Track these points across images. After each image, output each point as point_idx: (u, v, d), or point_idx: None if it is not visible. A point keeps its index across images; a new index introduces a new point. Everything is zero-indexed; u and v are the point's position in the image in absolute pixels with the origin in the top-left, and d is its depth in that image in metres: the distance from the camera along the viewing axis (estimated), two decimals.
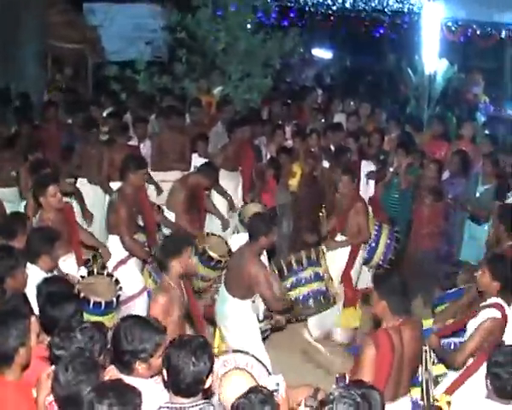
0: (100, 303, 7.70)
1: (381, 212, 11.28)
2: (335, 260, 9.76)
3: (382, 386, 5.54)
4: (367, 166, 11.76)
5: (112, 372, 4.98)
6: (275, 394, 4.89)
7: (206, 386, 4.71)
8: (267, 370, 6.19)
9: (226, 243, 10.32)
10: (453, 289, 8.70)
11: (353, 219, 9.72)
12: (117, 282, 8.28)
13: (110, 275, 8.46)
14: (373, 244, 10.32)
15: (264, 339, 8.32)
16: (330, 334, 10.04)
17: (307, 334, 10.03)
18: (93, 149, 11.74)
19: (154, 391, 4.88)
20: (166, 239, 8.10)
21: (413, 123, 14.10)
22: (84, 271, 8.36)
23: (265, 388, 4.64)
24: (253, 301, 8.22)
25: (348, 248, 9.83)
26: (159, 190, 11.65)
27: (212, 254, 9.71)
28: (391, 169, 11.82)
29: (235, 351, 6.32)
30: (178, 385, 4.61)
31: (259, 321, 8.29)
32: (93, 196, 11.49)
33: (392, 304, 5.87)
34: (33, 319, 5.20)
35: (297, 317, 9.58)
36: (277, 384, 5.14)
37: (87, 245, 9.23)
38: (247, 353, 6.15)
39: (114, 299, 7.89)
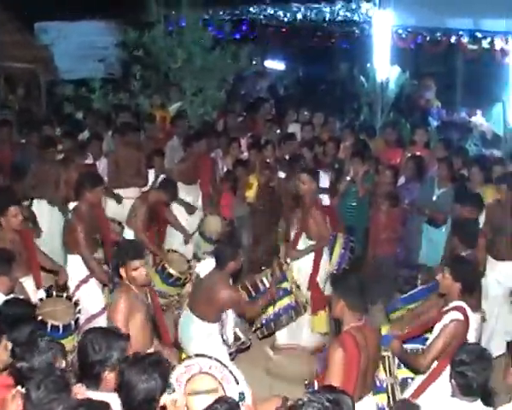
0: (58, 327, 7.65)
1: (337, 221, 11.32)
2: (300, 267, 9.79)
3: (352, 387, 5.63)
4: (322, 178, 11.73)
5: (78, 390, 4.98)
6: (240, 403, 4.91)
7: (161, 404, 4.69)
8: (233, 375, 6.15)
9: (188, 260, 10.36)
10: (410, 292, 8.79)
11: (312, 225, 9.72)
12: (76, 304, 8.24)
13: (69, 298, 8.41)
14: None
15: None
16: (298, 340, 10.00)
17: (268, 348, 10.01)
18: (50, 168, 11.63)
19: (118, 405, 4.86)
20: (117, 248, 7.94)
21: (367, 131, 14.21)
22: (42, 293, 8.30)
23: (231, 398, 4.65)
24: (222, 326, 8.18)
25: (311, 255, 9.81)
26: (119, 202, 11.66)
27: (171, 271, 9.73)
28: (347, 178, 11.89)
29: (197, 355, 6.27)
30: (130, 403, 4.61)
31: (228, 346, 8.23)
32: (50, 216, 11.41)
33: (350, 302, 5.93)
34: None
35: (268, 334, 9.67)
36: (242, 394, 5.16)
37: (46, 268, 9.18)
38: (210, 357, 6.13)
39: (73, 322, 7.83)
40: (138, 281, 6.83)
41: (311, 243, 9.83)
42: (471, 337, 6.72)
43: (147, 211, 10.18)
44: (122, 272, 6.78)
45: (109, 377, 4.94)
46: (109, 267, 9.35)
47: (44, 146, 11.86)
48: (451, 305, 6.70)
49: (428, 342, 6.77)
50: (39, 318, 7.45)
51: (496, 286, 9.55)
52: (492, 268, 9.52)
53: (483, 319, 8.56)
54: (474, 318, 7.47)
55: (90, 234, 9.34)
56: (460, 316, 6.58)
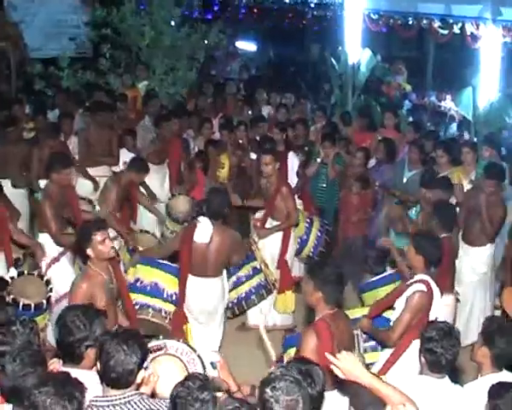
0: (29, 305, 7.60)
1: (310, 204, 11.40)
2: (268, 246, 9.86)
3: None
4: (293, 158, 11.79)
5: (54, 365, 5.01)
6: (212, 371, 4.94)
7: (138, 380, 4.68)
8: (201, 360, 6.15)
9: (159, 241, 10.34)
10: (381, 275, 8.85)
11: (281, 204, 9.75)
12: (48, 283, 8.19)
13: (41, 276, 8.36)
14: (304, 237, 10.42)
15: None
16: (269, 320, 10.01)
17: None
18: (13, 148, 11.46)
19: (97, 382, 4.85)
20: (80, 227, 7.84)
21: (343, 117, 14.29)
22: (14, 272, 8.21)
23: (202, 374, 4.67)
24: None
25: (280, 234, 9.85)
26: (95, 185, 11.60)
27: (141, 249, 9.69)
28: (318, 160, 11.92)
29: (165, 337, 6.26)
30: (109, 375, 4.59)
31: None
32: (14, 198, 11.22)
33: (328, 295, 5.97)
34: None
35: (240, 313, 9.73)
36: (213, 363, 5.19)
37: (18, 244, 9.11)
38: (178, 339, 6.13)
39: (44, 301, 7.79)
40: (105, 254, 6.80)
41: (276, 223, 9.89)
42: (443, 317, 6.78)
43: (119, 191, 10.13)
44: (89, 250, 6.72)
45: (91, 353, 4.94)
46: None
47: (6, 125, 11.63)
48: (415, 278, 6.83)
49: (395, 315, 6.86)
50: (11, 296, 7.43)
51: (470, 272, 9.61)
52: (466, 253, 9.59)
53: (457, 300, 8.66)
54: (446, 299, 7.63)
55: (60, 213, 9.29)
56: (423, 287, 6.68)
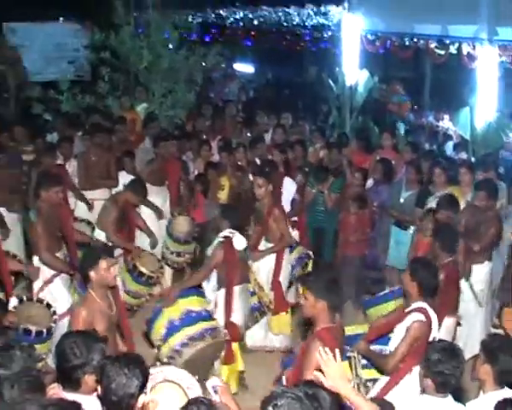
0: (30, 331, 7.61)
1: (303, 235, 11.37)
2: (262, 268, 9.86)
3: None
4: (289, 184, 11.77)
5: (54, 391, 4.97)
6: (214, 396, 4.95)
7: (139, 405, 4.67)
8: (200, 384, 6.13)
9: (158, 259, 10.37)
10: (381, 293, 8.88)
11: (274, 226, 9.77)
12: (49, 306, 8.21)
13: (40, 301, 8.36)
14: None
15: None
16: (266, 342, 10.02)
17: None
18: (3, 172, 11.40)
19: (97, 407, 4.85)
20: (85, 250, 7.98)
21: (340, 139, 14.35)
22: (14, 301, 8.21)
23: (205, 398, 4.67)
24: None
25: (274, 256, 9.86)
26: (89, 207, 11.65)
27: (142, 269, 9.72)
28: (313, 190, 11.87)
29: (164, 364, 6.24)
30: (110, 398, 4.59)
31: None
32: (7, 222, 11.20)
33: (332, 301, 6.00)
34: None
35: None
36: (214, 387, 5.19)
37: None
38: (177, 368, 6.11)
39: (45, 330, 7.78)
40: (108, 281, 6.78)
41: (270, 245, 9.91)
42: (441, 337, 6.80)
43: (117, 212, 10.17)
44: (92, 274, 6.68)
45: (89, 379, 4.91)
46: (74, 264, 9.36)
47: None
48: (413, 306, 6.78)
49: (392, 344, 6.84)
50: (22, 326, 7.50)
51: (468, 290, 9.58)
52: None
53: (458, 324, 8.65)
54: (446, 322, 7.64)
55: (52, 233, 9.30)
56: (422, 317, 6.65)
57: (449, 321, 8.01)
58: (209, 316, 8.23)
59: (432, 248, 8.57)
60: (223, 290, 8.60)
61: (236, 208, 9.41)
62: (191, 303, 8.20)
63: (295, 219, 11.46)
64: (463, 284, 9.37)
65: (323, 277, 6.25)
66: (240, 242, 8.65)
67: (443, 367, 5.24)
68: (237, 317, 8.64)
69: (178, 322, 7.98)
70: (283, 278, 9.93)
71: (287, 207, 11.07)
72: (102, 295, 6.74)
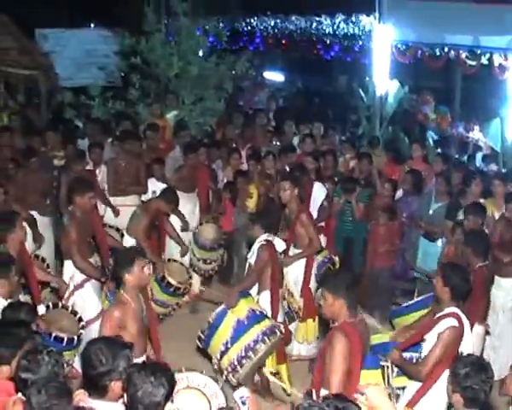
0: (62, 339, 7.62)
1: (331, 243, 11.42)
2: (292, 274, 9.83)
3: (358, 377, 5.74)
4: (319, 189, 11.77)
5: (80, 397, 4.97)
6: (242, 407, 4.93)
7: None
8: (223, 392, 6.09)
9: (187, 270, 10.38)
10: (406, 303, 8.85)
11: (302, 231, 9.74)
12: (75, 313, 8.25)
13: (65, 307, 8.40)
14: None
15: None
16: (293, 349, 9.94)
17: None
18: (34, 176, 11.51)
19: None
20: (118, 253, 7.95)
21: (371, 141, 14.32)
22: (42, 309, 8.24)
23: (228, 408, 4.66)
24: None
25: (302, 261, 9.83)
26: (116, 213, 11.70)
27: (171, 280, 9.72)
28: (341, 201, 11.79)
29: (188, 370, 6.24)
30: (136, 407, 4.59)
31: None
32: (41, 228, 11.21)
33: (349, 299, 5.99)
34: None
35: None
36: (242, 398, 5.17)
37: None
38: (201, 372, 6.11)
39: (76, 338, 7.77)
40: (144, 281, 6.84)
41: (298, 251, 9.89)
42: (470, 347, 6.74)
43: (148, 220, 10.20)
44: (127, 276, 6.69)
45: (115, 386, 4.91)
46: (106, 271, 9.40)
47: (27, 156, 11.74)
48: (445, 311, 6.74)
49: (425, 350, 6.79)
50: (54, 334, 7.52)
51: (501, 304, 9.46)
52: (497, 285, 9.39)
53: (487, 332, 8.59)
54: (476, 329, 7.58)
55: (85, 239, 9.35)
56: (454, 322, 6.60)
57: (478, 329, 7.96)
58: (266, 315, 8.31)
59: (463, 254, 8.55)
60: (264, 294, 8.67)
61: (268, 213, 9.40)
62: (251, 303, 8.33)
63: (322, 224, 11.50)
64: (496, 297, 9.30)
65: (341, 276, 6.27)
66: (279, 244, 8.81)
67: (472, 382, 5.16)
68: (280, 319, 8.69)
69: (246, 321, 8.05)
70: (313, 285, 9.89)
71: (315, 213, 11.10)
72: (134, 298, 6.76)
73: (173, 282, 9.73)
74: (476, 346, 7.61)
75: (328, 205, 11.72)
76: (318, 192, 11.66)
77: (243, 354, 7.84)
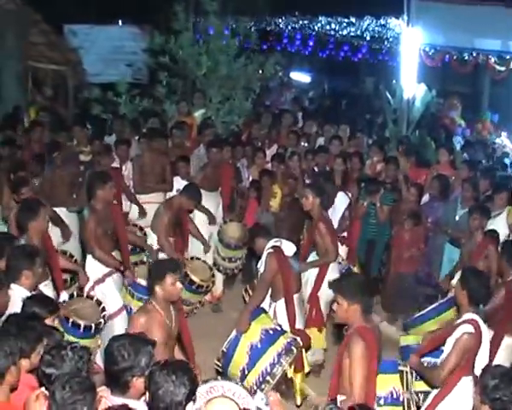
0: (79, 325, 7.67)
1: (353, 254, 11.32)
2: (309, 280, 9.76)
3: (375, 377, 5.74)
4: (342, 197, 11.68)
5: (103, 393, 4.99)
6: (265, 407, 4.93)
7: None
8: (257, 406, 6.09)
9: (210, 267, 10.38)
10: (433, 305, 8.83)
11: (319, 240, 9.63)
12: (98, 302, 8.29)
13: (90, 297, 8.47)
14: None
15: None
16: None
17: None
18: (61, 171, 11.59)
19: None
20: (152, 264, 8.04)
21: (399, 140, 14.25)
22: (65, 296, 8.31)
23: None
24: None
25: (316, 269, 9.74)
26: (142, 213, 11.73)
27: (194, 278, 9.68)
28: (364, 203, 11.67)
29: (224, 378, 6.22)
30: (158, 405, 4.62)
31: None
32: (66, 220, 11.19)
33: (365, 303, 6.03)
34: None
35: None
36: (263, 399, 5.18)
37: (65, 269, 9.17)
38: (236, 382, 6.03)
39: (93, 325, 7.82)
40: (174, 296, 6.82)
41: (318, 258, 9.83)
42: (500, 359, 6.71)
43: (171, 217, 10.20)
44: (157, 288, 6.71)
45: (137, 383, 4.95)
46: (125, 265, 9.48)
47: (51, 151, 11.80)
48: (464, 318, 6.71)
49: (442, 356, 6.78)
50: (71, 320, 7.55)
51: None
52: None
53: None
54: (506, 341, 7.53)
55: (105, 232, 9.38)
56: (471, 329, 6.56)
57: (509, 341, 7.89)
58: (282, 329, 8.14)
59: (498, 263, 8.49)
60: (279, 302, 8.53)
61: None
62: (263, 322, 8.13)
63: (345, 234, 11.45)
64: None
65: (355, 280, 6.25)
66: (288, 247, 8.60)
67: (501, 394, 5.14)
68: (299, 325, 8.58)
69: (260, 344, 7.91)
70: (325, 294, 9.53)
71: (336, 221, 11.00)
72: (164, 307, 6.78)
73: (196, 279, 9.70)
74: (507, 358, 7.55)
75: (349, 213, 11.66)
76: (340, 202, 11.60)
77: (261, 380, 7.74)
